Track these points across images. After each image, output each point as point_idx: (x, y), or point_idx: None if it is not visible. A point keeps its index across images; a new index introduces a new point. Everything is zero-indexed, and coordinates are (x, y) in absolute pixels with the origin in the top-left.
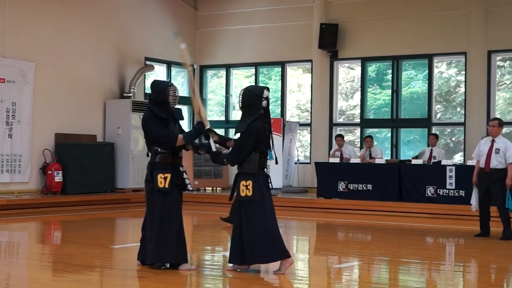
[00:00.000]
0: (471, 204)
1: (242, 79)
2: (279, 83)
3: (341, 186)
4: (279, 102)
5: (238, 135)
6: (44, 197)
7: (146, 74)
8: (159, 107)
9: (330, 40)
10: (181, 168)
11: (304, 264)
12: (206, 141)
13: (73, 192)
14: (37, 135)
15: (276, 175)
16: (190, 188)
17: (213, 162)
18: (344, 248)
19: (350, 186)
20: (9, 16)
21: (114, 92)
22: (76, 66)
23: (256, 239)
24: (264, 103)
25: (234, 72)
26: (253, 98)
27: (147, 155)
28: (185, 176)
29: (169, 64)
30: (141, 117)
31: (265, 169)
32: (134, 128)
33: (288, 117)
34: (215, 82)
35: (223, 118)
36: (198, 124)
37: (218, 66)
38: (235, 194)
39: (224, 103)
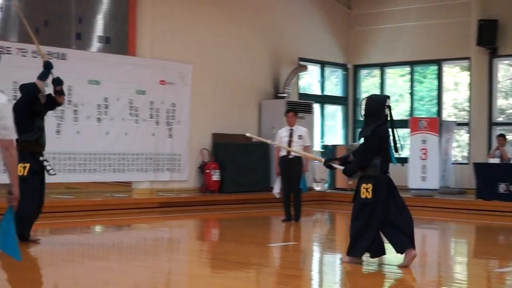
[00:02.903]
0: None
1: (397, 78)
2: (435, 81)
3: (502, 187)
4: (435, 101)
5: (361, 140)
6: (202, 195)
7: (299, 74)
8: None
9: (489, 37)
10: (41, 158)
11: (462, 267)
12: (334, 169)
13: (230, 191)
14: (195, 135)
15: (432, 176)
16: (53, 173)
17: (347, 175)
18: (505, 252)
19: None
20: (168, 20)
21: (268, 92)
22: (231, 67)
23: (360, 236)
24: (386, 111)
25: (388, 71)
26: (377, 106)
27: None
28: (45, 163)
29: (323, 64)
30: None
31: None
32: None
33: (444, 117)
34: (369, 82)
35: None
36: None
37: (372, 65)
38: None
39: None
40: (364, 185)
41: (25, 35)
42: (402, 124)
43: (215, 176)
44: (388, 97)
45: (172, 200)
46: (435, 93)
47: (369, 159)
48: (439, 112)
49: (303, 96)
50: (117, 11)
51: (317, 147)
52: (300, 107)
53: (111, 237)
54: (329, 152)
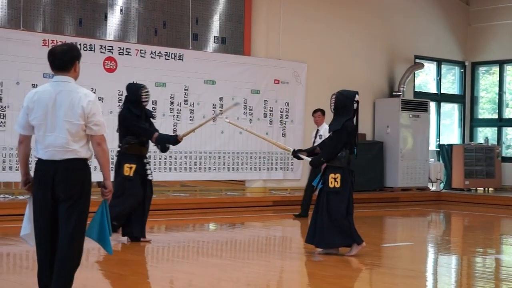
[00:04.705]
0: None
1: None
2: None
3: None
4: None
5: (331, 133)
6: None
7: (415, 72)
8: (133, 105)
9: None
10: (145, 160)
11: None
12: (301, 159)
13: None
14: (308, 134)
15: None
16: (150, 178)
17: (314, 167)
18: None
19: None
20: (283, 19)
21: (383, 91)
22: (346, 66)
23: (336, 225)
24: (355, 105)
25: (508, 69)
26: (346, 101)
27: (119, 146)
28: (147, 167)
29: (439, 62)
30: (406, 116)
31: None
32: (403, 127)
33: None
34: (487, 79)
35: (495, 116)
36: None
37: (490, 62)
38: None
39: (497, 101)
40: (332, 175)
41: (143, 36)
42: None
43: None
44: (357, 92)
45: (285, 199)
46: None
47: (337, 151)
48: None
49: (419, 94)
50: (233, 11)
51: (432, 146)
52: (416, 105)
53: (225, 234)
54: (445, 151)
